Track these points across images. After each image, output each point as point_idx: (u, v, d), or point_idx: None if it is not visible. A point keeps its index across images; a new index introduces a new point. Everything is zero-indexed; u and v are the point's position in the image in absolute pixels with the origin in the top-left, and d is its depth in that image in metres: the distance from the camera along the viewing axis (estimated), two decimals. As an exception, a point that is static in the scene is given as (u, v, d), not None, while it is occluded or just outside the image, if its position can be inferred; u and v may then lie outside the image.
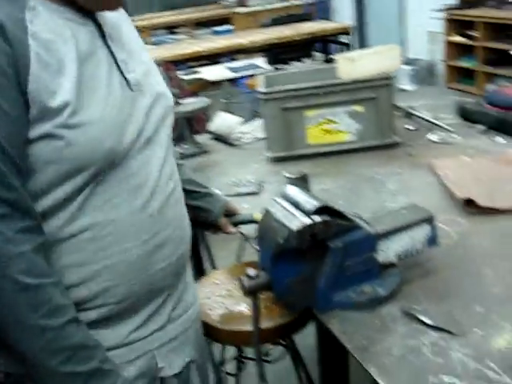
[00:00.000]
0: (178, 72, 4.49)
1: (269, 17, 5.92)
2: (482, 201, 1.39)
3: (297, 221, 1.03)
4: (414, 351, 0.97)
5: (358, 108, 1.80)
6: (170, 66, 3.22)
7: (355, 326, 1.05)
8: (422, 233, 1.17)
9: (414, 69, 5.26)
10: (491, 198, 1.40)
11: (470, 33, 4.82)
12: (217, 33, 6.30)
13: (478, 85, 4.61)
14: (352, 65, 1.75)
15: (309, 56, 4.48)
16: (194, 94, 3.16)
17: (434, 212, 1.19)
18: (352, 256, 1.08)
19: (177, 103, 2.01)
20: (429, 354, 0.97)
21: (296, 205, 1.08)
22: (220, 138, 2.16)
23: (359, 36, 6.31)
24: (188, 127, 2.11)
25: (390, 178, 1.65)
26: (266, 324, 1.20)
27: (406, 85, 4.91)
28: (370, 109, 1.80)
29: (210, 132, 2.22)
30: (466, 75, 4.99)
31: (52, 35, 0.84)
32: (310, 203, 1.05)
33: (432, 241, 1.18)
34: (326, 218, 1.04)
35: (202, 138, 2.22)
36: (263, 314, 1.18)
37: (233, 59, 4.80)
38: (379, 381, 0.93)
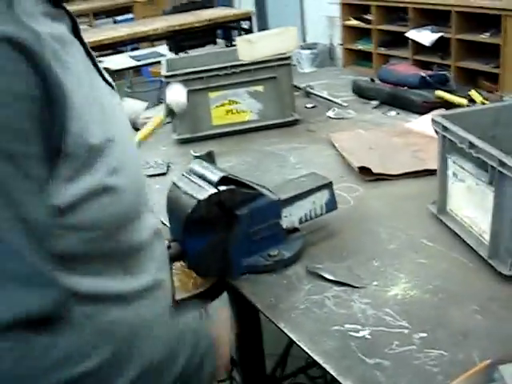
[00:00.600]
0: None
1: (170, 4, 5.91)
2: (375, 168, 1.50)
3: (203, 191, 1.09)
4: (319, 305, 1.06)
5: (259, 88, 1.87)
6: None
7: (264, 287, 1.13)
8: (321, 198, 1.26)
9: (314, 52, 5.44)
10: (383, 166, 1.52)
11: (366, 17, 5.04)
12: (118, 22, 6.21)
13: (375, 66, 4.84)
14: (251, 46, 1.82)
15: (212, 43, 4.53)
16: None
17: (333, 180, 1.28)
18: (258, 222, 1.15)
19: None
20: (332, 306, 1.05)
21: (202, 177, 1.13)
22: (126, 124, 2.18)
23: (260, 22, 6.42)
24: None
25: (291, 152, 1.74)
26: (180, 295, 1.25)
27: (306, 68, 5.07)
28: (270, 88, 1.88)
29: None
30: (363, 58, 5.22)
31: (56, 43, 0.66)
32: (215, 174, 1.11)
33: (331, 205, 1.28)
34: (231, 186, 1.10)
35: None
36: (178, 287, 1.23)
37: (135, 48, 4.77)
38: (288, 333, 1.01)
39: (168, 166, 1.75)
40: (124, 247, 0.75)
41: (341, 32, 5.31)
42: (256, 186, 1.18)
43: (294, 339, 0.99)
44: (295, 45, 1.92)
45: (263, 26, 6.35)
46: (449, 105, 1.84)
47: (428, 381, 0.87)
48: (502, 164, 1.00)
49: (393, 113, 1.97)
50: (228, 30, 4.74)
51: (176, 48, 4.23)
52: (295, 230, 1.24)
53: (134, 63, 4.19)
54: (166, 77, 1.84)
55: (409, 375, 0.88)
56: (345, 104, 2.00)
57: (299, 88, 2.20)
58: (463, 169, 1.15)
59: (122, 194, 0.70)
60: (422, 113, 1.86)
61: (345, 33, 5.26)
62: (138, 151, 0.86)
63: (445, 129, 1.17)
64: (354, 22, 5.17)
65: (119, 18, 6.32)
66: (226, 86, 1.86)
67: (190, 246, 1.11)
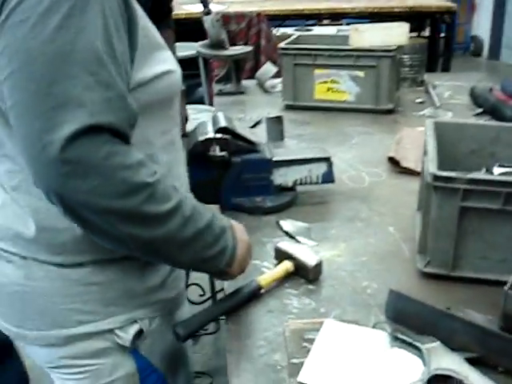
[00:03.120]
0: (289, 28, 4.80)
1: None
2: (404, 162, 1.63)
3: (204, 134, 1.39)
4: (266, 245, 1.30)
5: (360, 73, 2.06)
6: (261, 17, 3.56)
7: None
8: (318, 168, 1.47)
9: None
10: (416, 163, 1.64)
11: None
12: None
13: None
14: (358, 34, 2.00)
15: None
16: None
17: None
18: (249, 172, 1.42)
19: (225, 48, 2.39)
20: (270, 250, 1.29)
21: (214, 124, 1.43)
22: (259, 84, 2.51)
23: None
24: (234, 69, 2.48)
25: (359, 135, 1.92)
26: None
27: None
28: (369, 76, 2.05)
29: (254, 77, 2.58)
30: None
31: None
32: (220, 124, 1.40)
33: (327, 177, 1.48)
34: (226, 136, 1.38)
35: (248, 82, 2.59)
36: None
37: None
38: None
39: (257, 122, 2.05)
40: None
41: None
42: (256, 143, 1.43)
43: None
44: (404, 40, 2.04)
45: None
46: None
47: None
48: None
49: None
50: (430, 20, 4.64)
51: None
52: (290, 189, 1.48)
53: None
54: (281, 48, 2.12)
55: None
56: (437, 104, 2.08)
57: (421, 81, 2.31)
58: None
59: (173, 73, 0.99)
60: None
61: None
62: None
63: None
64: None
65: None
66: (331, 66, 2.08)
67: (191, 175, 1.43)
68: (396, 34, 2.01)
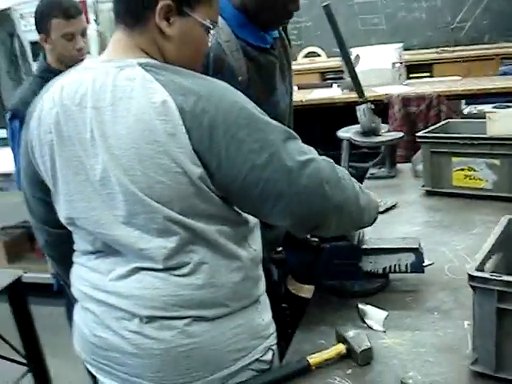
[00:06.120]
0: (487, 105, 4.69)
1: None
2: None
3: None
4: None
5: (495, 161, 2.05)
6: (442, 99, 3.62)
7: (329, 305, 1.54)
8: (407, 258, 1.54)
9: None
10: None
11: None
12: None
13: None
14: (491, 122, 2.02)
15: None
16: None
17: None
18: (338, 258, 1.56)
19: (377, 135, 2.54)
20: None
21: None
22: (413, 168, 2.60)
23: None
24: (388, 154, 2.61)
25: (484, 224, 1.91)
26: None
27: None
28: (506, 163, 2.04)
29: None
30: None
31: None
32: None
33: (416, 267, 1.54)
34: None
35: (404, 166, 2.69)
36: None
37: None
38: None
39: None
40: None
41: None
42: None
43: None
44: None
45: None
46: None
47: None
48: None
49: None
50: None
51: None
52: (382, 275, 1.57)
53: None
54: (419, 137, 2.22)
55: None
56: None
57: None
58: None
59: None
60: None
61: None
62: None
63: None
64: None
65: None
66: (467, 154, 2.11)
67: (288, 257, 1.62)
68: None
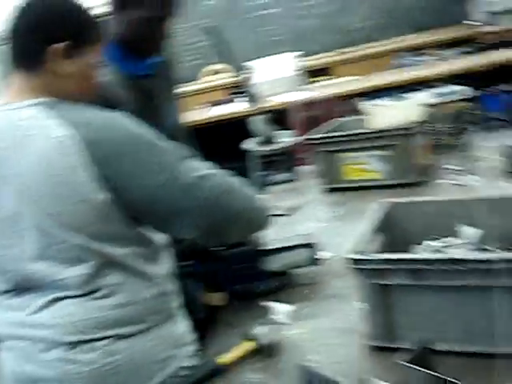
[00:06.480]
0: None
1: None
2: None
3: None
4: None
5: (382, 152, 2.21)
6: (340, 99, 3.79)
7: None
8: (303, 254, 1.65)
9: None
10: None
11: None
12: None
13: None
14: (371, 117, 2.18)
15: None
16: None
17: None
18: (238, 263, 1.64)
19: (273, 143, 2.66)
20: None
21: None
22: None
23: None
24: (288, 159, 2.74)
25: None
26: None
27: None
28: (391, 153, 2.20)
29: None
30: None
31: None
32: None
33: (311, 261, 1.65)
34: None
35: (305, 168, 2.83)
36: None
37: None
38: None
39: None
40: None
41: None
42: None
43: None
44: (416, 117, 2.16)
45: None
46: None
47: None
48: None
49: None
50: None
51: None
52: (283, 273, 1.67)
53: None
54: (307, 139, 2.35)
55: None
56: (469, 169, 2.14)
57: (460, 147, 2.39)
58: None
59: None
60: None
61: None
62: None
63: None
64: None
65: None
66: (356, 149, 2.26)
67: (195, 268, 1.69)
68: (410, 111, 2.14)
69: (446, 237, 1.34)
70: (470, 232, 1.27)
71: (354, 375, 1.21)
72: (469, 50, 5.53)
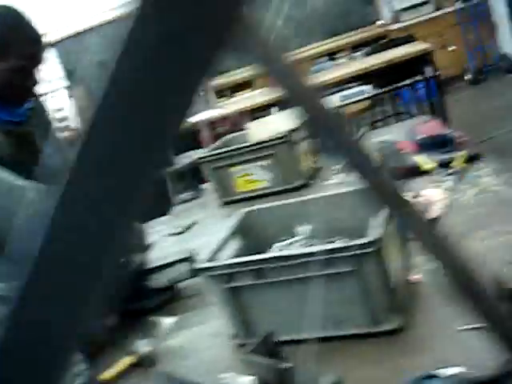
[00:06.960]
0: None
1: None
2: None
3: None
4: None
5: (263, 162, 2.36)
6: (243, 115, 3.95)
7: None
8: (184, 267, 1.78)
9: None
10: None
11: None
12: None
13: None
14: (250, 132, 2.33)
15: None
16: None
17: None
18: (125, 284, 1.75)
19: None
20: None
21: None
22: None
23: None
24: (192, 177, 2.86)
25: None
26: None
27: None
28: (273, 162, 2.35)
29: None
30: None
31: None
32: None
33: (192, 273, 1.78)
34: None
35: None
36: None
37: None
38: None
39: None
40: None
41: None
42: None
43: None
44: (290, 126, 2.32)
45: None
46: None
47: None
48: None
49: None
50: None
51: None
52: (169, 287, 1.79)
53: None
54: (199, 158, 2.49)
55: None
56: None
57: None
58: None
59: None
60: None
61: None
62: None
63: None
64: None
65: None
66: (242, 162, 2.40)
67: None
68: (284, 121, 2.30)
69: (293, 237, 1.49)
70: (302, 229, 1.42)
71: (217, 373, 1.33)
72: (378, 48, 5.80)
